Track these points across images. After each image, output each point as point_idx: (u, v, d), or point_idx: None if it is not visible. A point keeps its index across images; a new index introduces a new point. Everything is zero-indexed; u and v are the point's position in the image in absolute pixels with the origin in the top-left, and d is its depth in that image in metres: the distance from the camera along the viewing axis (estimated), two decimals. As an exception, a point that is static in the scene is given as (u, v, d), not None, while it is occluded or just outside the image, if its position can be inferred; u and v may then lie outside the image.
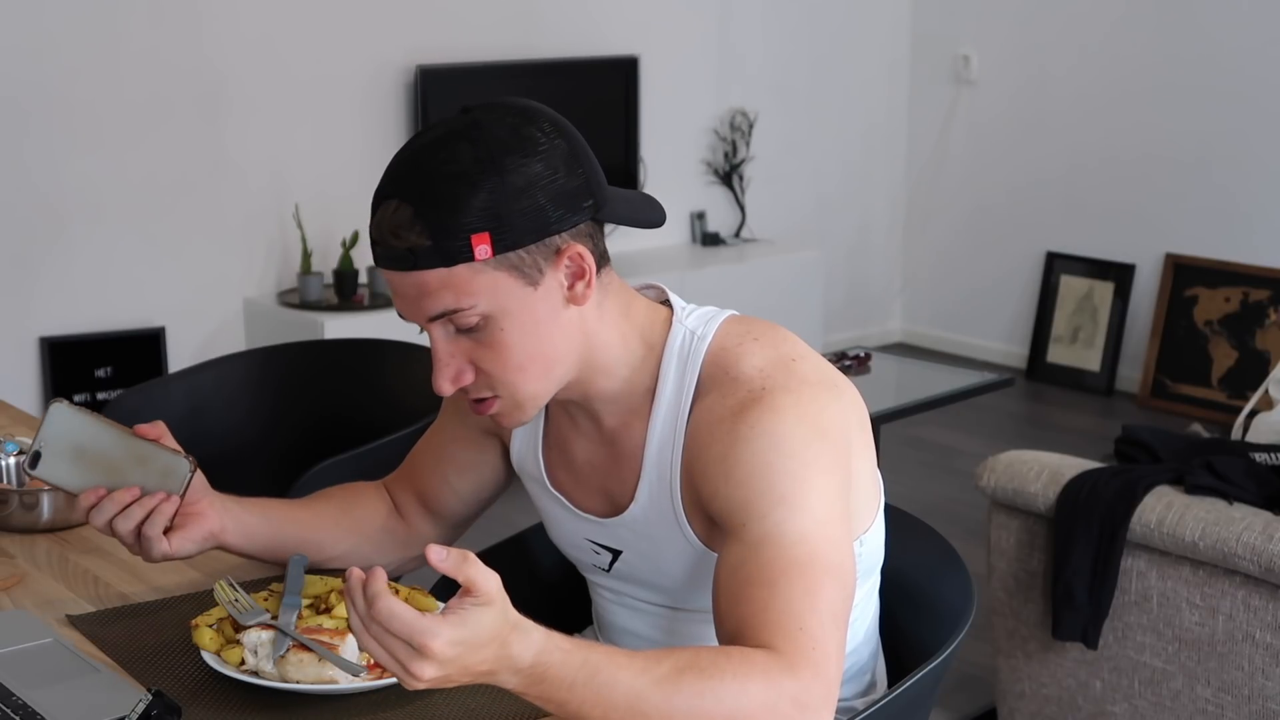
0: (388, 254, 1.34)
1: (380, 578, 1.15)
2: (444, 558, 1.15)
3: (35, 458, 1.53)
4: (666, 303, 1.51)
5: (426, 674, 1.13)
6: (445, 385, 1.39)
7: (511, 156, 1.32)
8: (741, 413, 1.37)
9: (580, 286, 1.38)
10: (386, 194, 1.35)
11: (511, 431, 1.61)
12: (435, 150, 1.34)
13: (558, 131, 1.37)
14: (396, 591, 1.48)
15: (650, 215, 1.46)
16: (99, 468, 1.52)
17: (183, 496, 1.52)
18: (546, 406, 1.56)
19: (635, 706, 1.18)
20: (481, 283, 1.33)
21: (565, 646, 1.18)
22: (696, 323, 1.47)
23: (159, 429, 1.55)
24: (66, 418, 1.53)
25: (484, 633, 1.14)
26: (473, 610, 1.14)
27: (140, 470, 1.52)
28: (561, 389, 1.45)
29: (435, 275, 1.33)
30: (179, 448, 1.55)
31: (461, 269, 1.32)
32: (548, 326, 1.38)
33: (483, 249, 1.32)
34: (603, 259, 1.41)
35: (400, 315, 1.40)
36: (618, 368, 1.45)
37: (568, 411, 1.52)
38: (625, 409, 1.48)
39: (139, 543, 1.53)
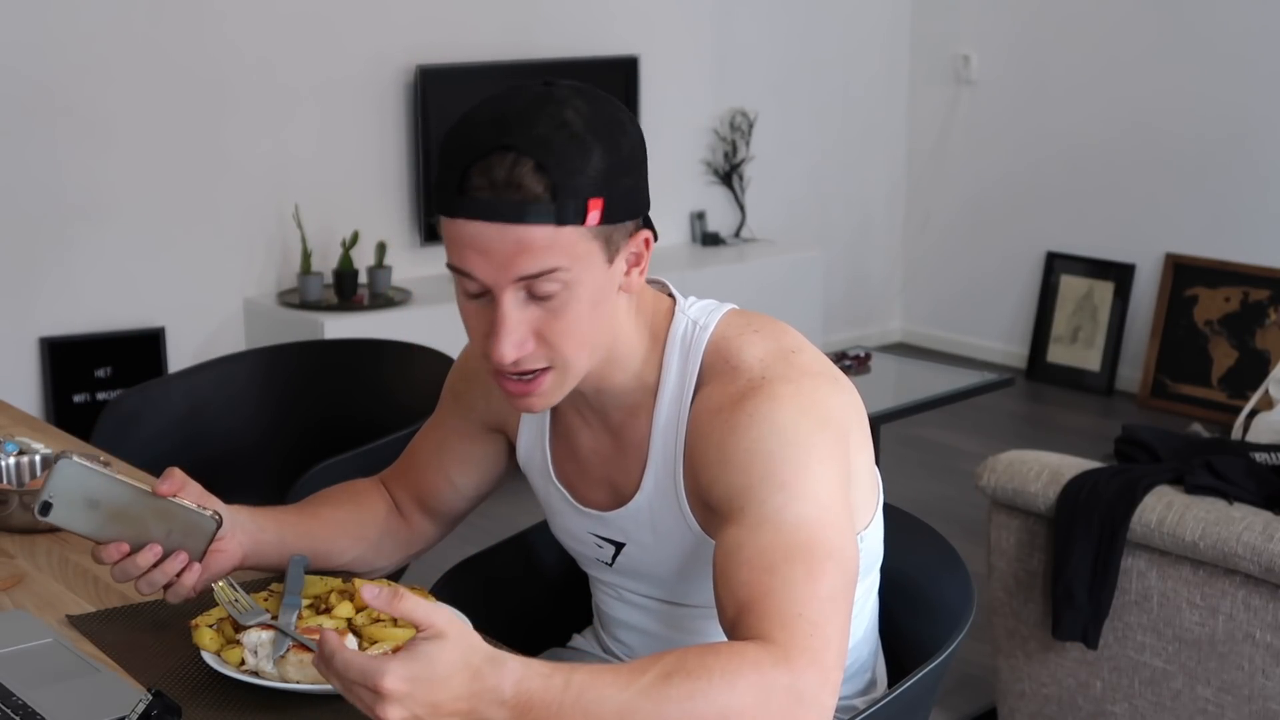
0: (491, 205, 1.29)
1: (330, 638, 1.15)
2: (375, 594, 1.14)
3: (45, 507, 1.46)
4: (669, 295, 1.52)
5: (392, 715, 1.11)
6: (509, 352, 1.34)
7: (615, 130, 1.33)
8: (741, 401, 1.38)
9: (635, 274, 1.40)
10: (497, 144, 1.29)
11: (518, 427, 1.61)
12: (553, 109, 1.31)
13: (634, 123, 1.38)
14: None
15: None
16: (117, 520, 1.48)
17: (201, 560, 1.50)
18: None
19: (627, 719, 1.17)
20: (581, 249, 1.32)
21: (545, 672, 1.16)
22: (698, 313, 1.48)
23: (177, 481, 1.50)
24: (76, 473, 1.47)
25: (440, 666, 1.12)
26: (422, 644, 1.13)
27: (161, 525, 1.48)
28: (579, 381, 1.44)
29: (541, 232, 1.29)
30: (202, 499, 1.51)
31: (568, 231, 1.30)
32: (605, 306, 1.38)
33: (594, 215, 1.31)
34: None
35: (465, 274, 1.33)
36: (630, 361, 1.46)
37: (574, 405, 1.52)
38: (632, 401, 1.48)
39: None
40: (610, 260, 1.35)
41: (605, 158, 1.31)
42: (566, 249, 1.31)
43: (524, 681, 1.14)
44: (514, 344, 1.34)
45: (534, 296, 1.33)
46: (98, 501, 1.47)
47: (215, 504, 1.53)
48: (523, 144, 1.29)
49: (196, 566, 1.50)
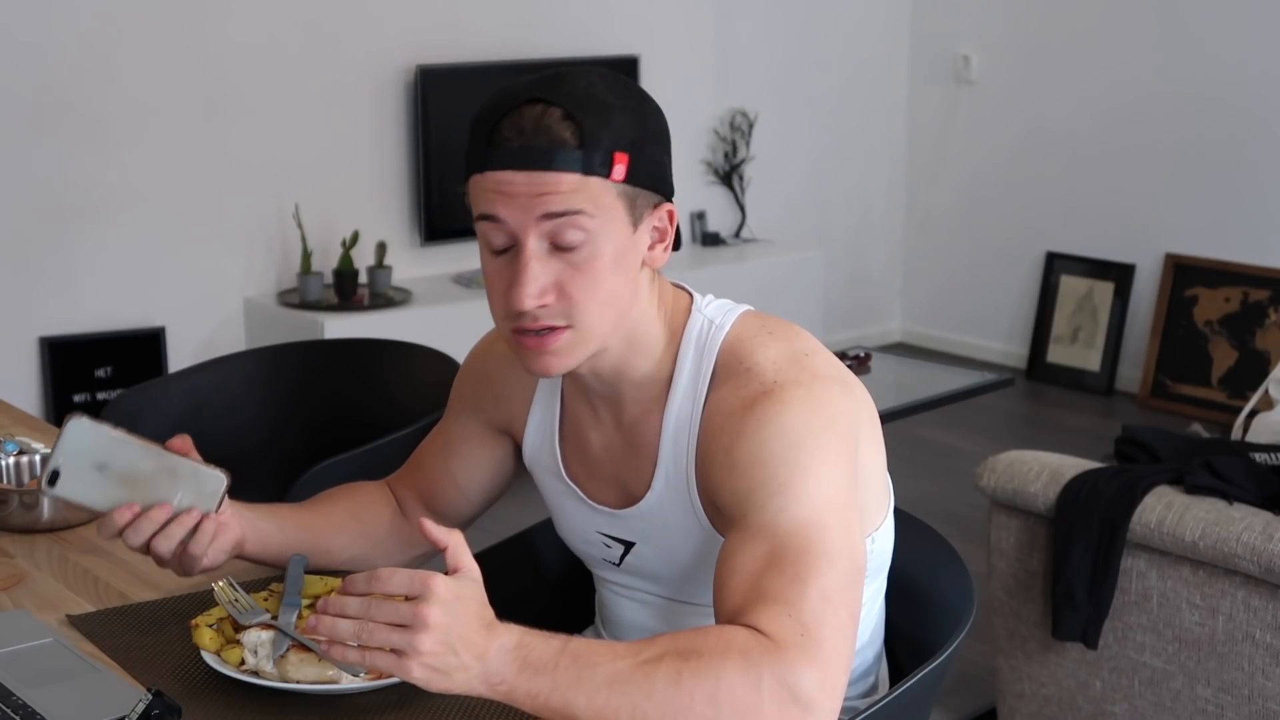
0: (520, 151, 1.33)
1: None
2: (433, 527, 1.24)
3: (53, 476, 1.46)
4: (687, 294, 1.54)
5: (433, 615, 1.16)
6: (528, 299, 1.35)
7: (643, 104, 1.39)
8: (751, 405, 1.38)
9: (659, 250, 1.42)
10: (530, 98, 1.34)
11: (525, 426, 1.61)
12: (581, 76, 1.37)
13: (662, 114, 1.43)
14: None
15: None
16: (125, 484, 1.47)
17: (217, 511, 1.50)
18: (562, 399, 1.57)
19: (617, 687, 1.20)
20: (606, 202, 1.36)
21: (543, 634, 1.22)
22: (715, 312, 1.49)
23: (186, 444, 1.51)
24: (86, 433, 1.46)
25: (472, 602, 1.20)
26: (463, 576, 1.22)
27: (170, 485, 1.48)
28: (596, 360, 1.45)
29: (570, 179, 1.33)
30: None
31: (595, 181, 1.34)
32: (629, 274, 1.40)
33: (619, 169, 1.35)
34: None
35: (491, 219, 1.36)
36: (651, 348, 1.47)
37: (587, 400, 1.53)
38: (647, 396, 1.48)
39: (176, 559, 1.51)
40: (634, 225, 1.38)
41: (632, 122, 1.36)
42: (592, 198, 1.34)
43: (525, 636, 1.21)
44: (535, 291, 1.36)
45: (558, 248, 1.36)
46: (106, 464, 1.46)
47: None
48: (553, 96, 1.34)
49: (209, 526, 1.49)
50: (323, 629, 1.20)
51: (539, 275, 1.35)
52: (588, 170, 1.34)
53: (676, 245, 1.46)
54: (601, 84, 1.37)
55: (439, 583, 1.18)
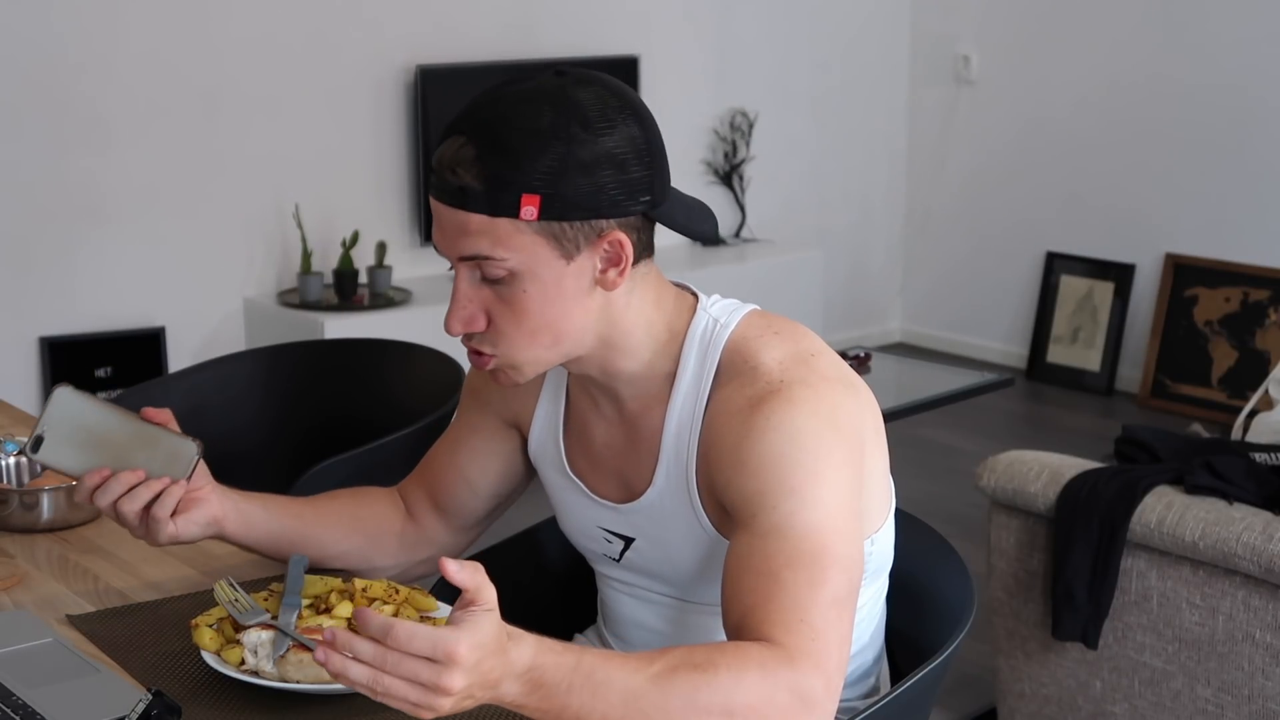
0: (440, 186, 1.37)
1: (379, 615, 1.12)
2: (459, 570, 1.13)
3: (37, 442, 1.53)
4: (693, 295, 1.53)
5: (456, 684, 1.10)
6: (455, 326, 1.40)
7: (587, 131, 1.34)
8: (759, 404, 1.38)
9: (613, 274, 1.40)
10: (458, 128, 1.37)
11: (531, 420, 1.61)
12: (518, 101, 1.36)
13: (639, 121, 1.39)
14: (396, 591, 1.49)
15: (703, 228, 1.48)
16: (104, 451, 1.53)
17: (189, 479, 1.53)
18: (567, 390, 1.57)
19: (632, 704, 1.18)
20: (519, 242, 1.35)
21: (557, 649, 1.18)
22: (720, 311, 1.49)
23: (166, 415, 1.55)
24: (71, 401, 1.54)
25: (490, 638, 1.13)
26: (481, 614, 1.13)
27: (146, 453, 1.52)
28: (577, 363, 1.46)
29: (477, 220, 1.35)
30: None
31: (504, 223, 1.34)
32: (570, 302, 1.39)
33: (529, 210, 1.34)
34: (645, 251, 1.43)
35: (435, 248, 1.42)
36: (640, 350, 1.46)
37: (589, 393, 1.53)
38: (646, 392, 1.48)
39: (143, 525, 1.53)
40: (568, 258, 1.37)
41: (560, 156, 1.33)
42: (503, 240, 1.35)
43: (538, 656, 1.16)
44: (461, 319, 1.40)
45: (487, 278, 1.38)
46: (89, 432, 1.53)
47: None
48: (474, 131, 1.35)
49: (176, 490, 1.51)
50: (332, 667, 1.12)
51: (466, 304, 1.40)
52: (494, 213, 1.34)
53: (708, 242, 1.47)
54: (550, 109, 1.34)
55: (463, 650, 1.10)
